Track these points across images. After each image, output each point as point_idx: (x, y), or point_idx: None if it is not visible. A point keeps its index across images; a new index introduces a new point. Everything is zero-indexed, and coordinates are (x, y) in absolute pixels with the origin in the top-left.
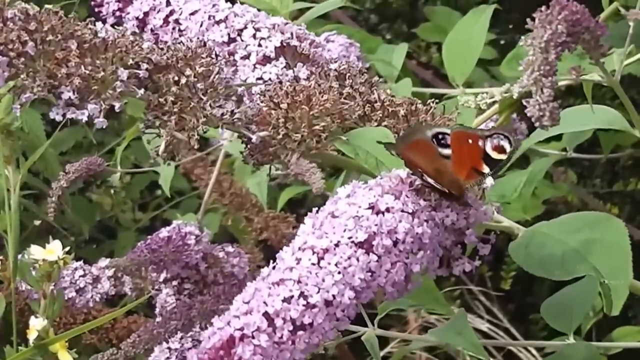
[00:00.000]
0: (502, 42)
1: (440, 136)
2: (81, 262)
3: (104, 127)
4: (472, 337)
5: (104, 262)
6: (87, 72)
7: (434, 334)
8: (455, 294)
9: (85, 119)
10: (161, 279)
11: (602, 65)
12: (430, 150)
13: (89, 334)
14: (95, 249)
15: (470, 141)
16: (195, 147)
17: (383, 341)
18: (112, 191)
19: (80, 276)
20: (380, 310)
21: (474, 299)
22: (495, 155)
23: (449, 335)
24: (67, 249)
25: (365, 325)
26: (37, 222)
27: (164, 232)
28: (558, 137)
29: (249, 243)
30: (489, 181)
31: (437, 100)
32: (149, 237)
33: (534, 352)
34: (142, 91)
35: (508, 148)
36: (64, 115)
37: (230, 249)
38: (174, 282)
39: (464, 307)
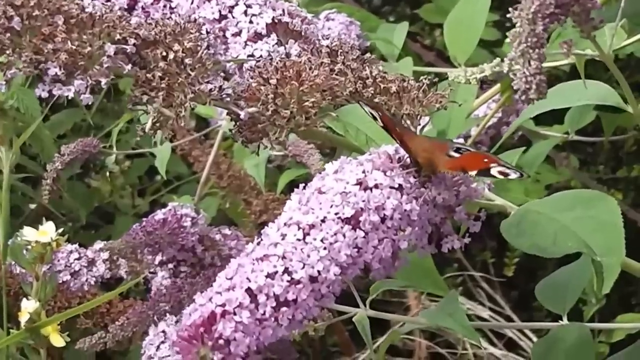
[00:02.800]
0: (507, 24)
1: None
2: (76, 245)
3: (89, 103)
4: (463, 319)
5: (99, 244)
6: (74, 47)
7: (426, 315)
8: (458, 280)
9: (71, 95)
10: (157, 262)
11: (594, 39)
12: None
13: (84, 319)
14: (93, 234)
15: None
16: (183, 123)
17: (382, 329)
18: (108, 176)
19: (75, 259)
20: (372, 290)
21: (476, 285)
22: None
23: (440, 317)
24: (61, 230)
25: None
26: (32, 206)
27: (159, 215)
28: (560, 121)
29: (248, 226)
30: None
31: (430, 77)
32: (145, 219)
33: (535, 339)
34: (129, 67)
35: (513, 177)
36: (50, 92)
37: (227, 231)
38: (170, 265)
39: (465, 294)
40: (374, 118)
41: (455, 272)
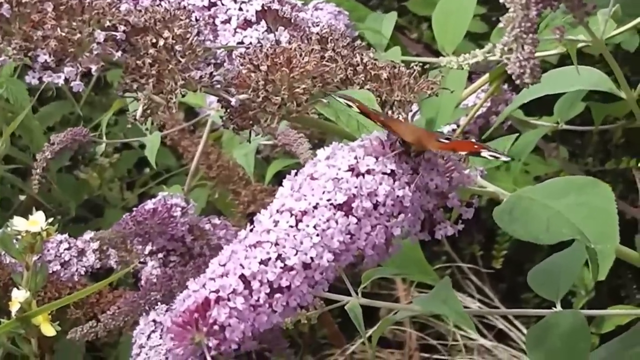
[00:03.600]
0: (493, 18)
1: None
2: (66, 235)
3: (80, 90)
4: (457, 305)
5: (89, 234)
6: (64, 34)
7: (419, 302)
8: (446, 272)
9: (61, 82)
10: (146, 252)
11: (587, 25)
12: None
13: (74, 309)
14: (82, 227)
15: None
16: (174, 111)
17: (372, 321)
18: (98, 169)
19: (65, 249)
20: (363, 278)
21: (465, 278)
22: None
23: (434, 303)
24: (51, 219)
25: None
26: (22, 197)
27: (149, 204)
28: (550, 111)
29: (236, 216)
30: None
31: (421, 64)
32: (135, 209)
33: (524, 330)
34: (119, 54)
35: (503, 159)
36: (40, 79)
37: (216, 221)
38: (160, 255)
39: (454, 286)
40: (349, 106)
41: (443, 264)
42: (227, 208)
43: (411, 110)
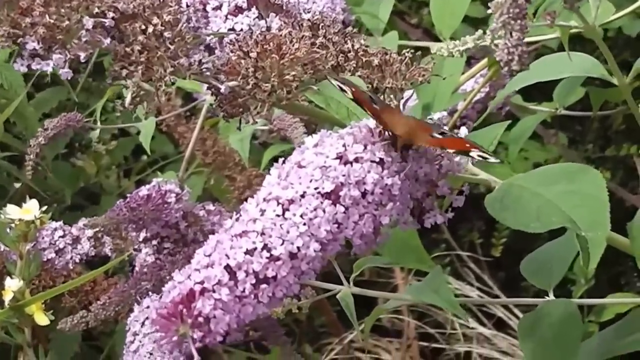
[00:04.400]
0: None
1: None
2: (61, 223)
3: (68, 77)
4: (448, 294)
5: (83, 221)
6: (52, 21)
7: (411, 291)
8: (445, 261)
9: (50, 69)
10: (141, 238)
11: (578, 11)
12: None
13: (69, 297)
14: (78, 215)
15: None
16: (169, 99)
17: (369, 310)
18: (94, 156)
19: (59, 237)
20: (355, 267)
21: (464, 266)
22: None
23: (425, 293)
24: (45, 208)
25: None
26: (17, 185)
27: (143, 191)
28: (549, 97)
29: (232, 202)
30: (463, 131)
31: (413, 50)
32: (129, 195)
33: None
34: (108, 41)
35: (492, 161)
36: (29, 66)
37: (211, 207)
38: (154, 242)
39: (454, 274)
40: (343, 91)
41: (442, 252)
42: (223, 195)
43: (402, 98)
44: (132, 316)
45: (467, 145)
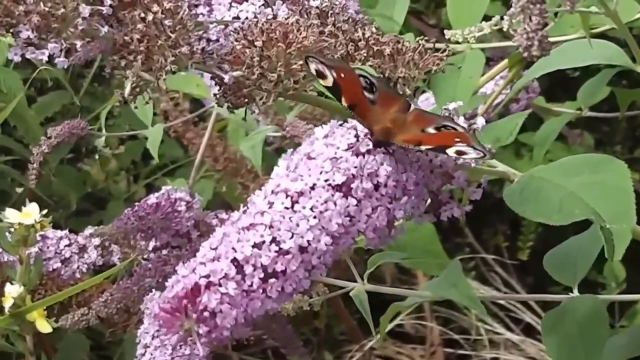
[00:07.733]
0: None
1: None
2: (66, 231)
3: (64, 67)
4: (468, 289)
5: (89, 230)
6: (47, 9)
7: (428, 287)
8: (470, 265)
9: (45, 59)
10: (150, 248)
11: None
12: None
13: (76, 307)
14: (84, 220)
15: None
16: (164, 87)
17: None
18: (100, 160)
19: (65, 246)
20: (369, 264)
21: (490, 270)
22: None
23: (443, 288)
24: (49, 216)
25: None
26: (19, 190)
27: (152, 199)
28: (573, 97)
29: None
30: (480, 121)
31: (426, 38)
32: (137, 203)
33: None
34: (105, 29)
35: (472, 156)
36: (22, 56)
37: (223, 215)
38: (164, 252)
39: (479, 278)
40: (320, 77)
41: (467, 255)
42: (236, 200)
43: (417, 88)
44: (143, 328)
45: (458, 139)
